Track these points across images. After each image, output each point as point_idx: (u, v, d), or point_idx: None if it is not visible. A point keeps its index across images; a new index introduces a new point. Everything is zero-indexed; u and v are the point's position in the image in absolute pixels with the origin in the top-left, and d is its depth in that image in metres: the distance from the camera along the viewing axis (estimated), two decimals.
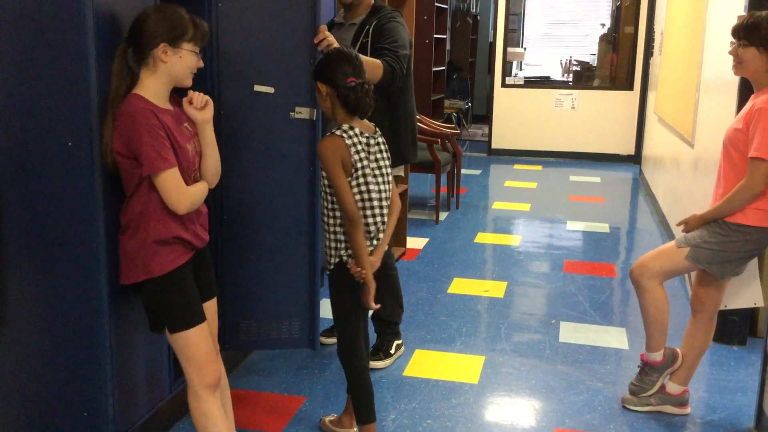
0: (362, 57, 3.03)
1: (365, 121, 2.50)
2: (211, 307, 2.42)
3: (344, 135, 2.40)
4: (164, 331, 2.26)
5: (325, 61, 2.46)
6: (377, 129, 2.54)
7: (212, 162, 2.32)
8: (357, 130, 2.43)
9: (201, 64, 2.24)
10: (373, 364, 3.34)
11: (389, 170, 2.54)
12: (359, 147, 2.42)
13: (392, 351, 3.44)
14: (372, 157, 2.47)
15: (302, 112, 2.89)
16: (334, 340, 3.40)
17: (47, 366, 2.33)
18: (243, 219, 2.92)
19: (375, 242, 2.50)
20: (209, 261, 2.45)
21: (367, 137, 2.45)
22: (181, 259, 2.23)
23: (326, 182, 2.44)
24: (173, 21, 2.14)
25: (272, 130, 2.89)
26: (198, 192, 2.24)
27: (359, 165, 2.41)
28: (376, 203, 2.46)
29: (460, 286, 4.55)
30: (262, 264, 2.98)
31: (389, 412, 3.00)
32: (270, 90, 2.86)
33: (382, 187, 2.49)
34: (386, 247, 2.56)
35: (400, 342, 3.52)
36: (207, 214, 2.37)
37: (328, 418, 2.83)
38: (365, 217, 2.45)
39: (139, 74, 2.17)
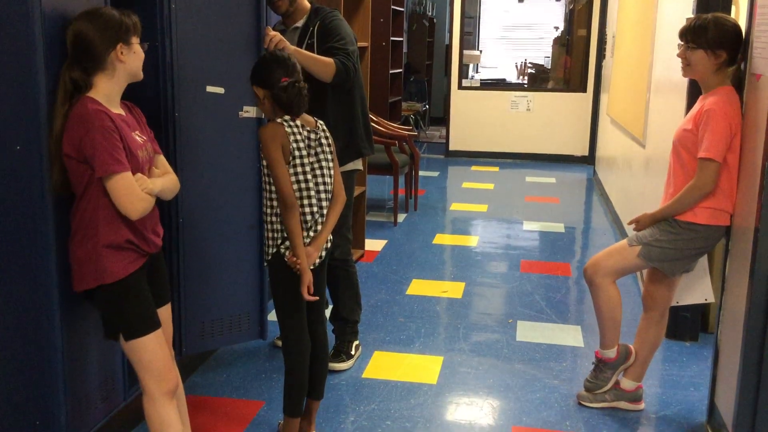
0: (313, 56, 3.07)
1: (305, 115, 2.55)
2: (165, 312, 2.39)
3: (285, 123, 2.45)
4: (119, 338, 2.23)
5: (259, 66, 2.52)
6: (320, 124, 2.58)
7: (170, 186, 2.32)
8: (298, 122, 2.48)
9: (143, 53, 2.24)
10: (337, 366, 3.34)
11: (331, 164, 2.58)
12: (299, 137, 2.46)
13: (352, 352, 3.44)
14: (312, 151, 2.51)
15: (249, 111, 2.95)
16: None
17: None
18: (198, 220, 2.91)
19: (312, 233, 2.52)
20: (163, 266, 2.42)
21: (308, 131, 2.50)
22: (134, 265, 2.20)
23: (265, 170, 2.47)
24: (115, 22, 2.13)
25: (223, 129, 2.93)
26: (152, 199, 2.20)
27: (297, 154, 2.45)
28: (313, 193, 2.50)
29: (418, 287, 4.57)
30: (215, 263, 2.99)
31: (348, 414, 3.00)
32: (220, 90, 2.87)
33: (320, 180, 2.53)
34: (326, 240, 2.57)
35: (358, 342, 3.53)
36: (159, 218, 2.34)
37: None
38: (302, 206, 2.48)
39: (89, 83, 2.13)
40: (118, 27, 2.12)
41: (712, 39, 2.68)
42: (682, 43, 2.78)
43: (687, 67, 2.79)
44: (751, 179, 2.57)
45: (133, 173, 2.14)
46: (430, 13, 12.62)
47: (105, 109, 2.10)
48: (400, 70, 9.06)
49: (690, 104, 3.53)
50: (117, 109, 2.18)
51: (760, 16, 2.56)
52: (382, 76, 7.89)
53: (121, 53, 2.13)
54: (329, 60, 3.10)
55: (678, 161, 2.85)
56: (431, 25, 12.30)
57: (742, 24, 2.76)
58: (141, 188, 2.14)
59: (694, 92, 3.47)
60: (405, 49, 10.83)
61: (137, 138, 2.21)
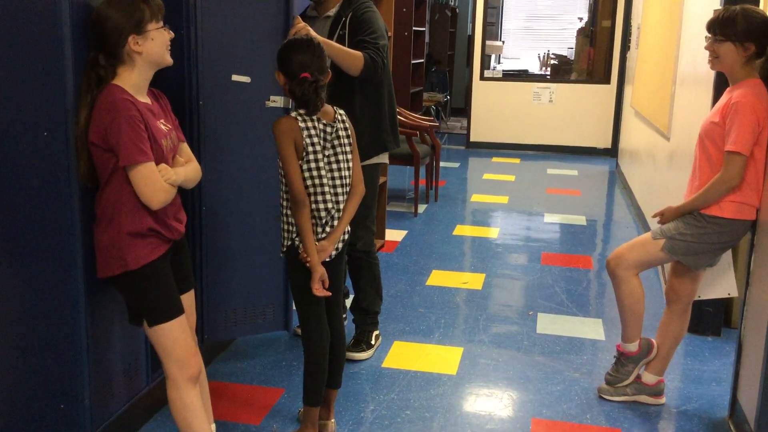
0: (343, 48, 3.05)
1: (326, 106, 2.49)
2: (188, 299, 2.40)
3: (299, 118, 2.42)
4: (142, 324, 2.25)
5: (282, 49, 2.45)
6: (338, 115, 2.54)
7: (193, 176, 2.33)
8: (314, 116, 2.44)
9: (171, 34, 2.21)
10: (357, 355, 3.35)
11: (350, 157, 2.55)
12: (313, 132, 2.43)
13: (372, 342, 3.45)
14: (328, 144, 2.47)
15: (276, 101, 2.93)
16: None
17: (23, 359, 2.30)
18: (220, 208, 2.93)
19: (328, 229, 2.51)
20: (187, 253, 2.44)
21: (325, 124, 2.46)
22: (157, 252, 2.21)
23: (280, 163, 2.45)
24: (129, 9, 2.10)
25: (248, 119, 2.92)
26: (173, 189, 2.21)
27: (310, 149, 2.42)
28: (328, 189, 2.47)
29: (438, 278, 4.56)
30: (239, 252, 3.00)
31: (368, 403, 3.01)
32: (247, 79, 2.87)
33: (337, 174, 2.50)
34: (341, 234, 2.56)
35: (378, 332, 3.54)
36: (181, 205, 2.35)
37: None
38: (316, 202, 2.46)
39: (113, 72, 2.14)
40: (131, 16, 2.09)
41: (740, 31, 2.64)
42: (710, 35, 2.74)
43: (715, 59, 2.75)
44: None
45: (157, 162, 2.15)
46: (452, 3, 12.56)
47: (131, 97, 2.11)
48: (422, 61, 9.04)
49: (716, 97, 3.49)
50: (143, 98, 2.18)
51: None
52: (404, 66, 7.88)
53: (136, 44, 2.10)
54: (358, 53, 3.07)
55: (704, 154, 2.82)
56: (453, 16, 12.24)
57: None
58: (164, 179, 2.15)
59: (720, 85, 3.43)
60: (427, 39, 10.79)
61: (162, 127, 2.22)
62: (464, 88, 12.29)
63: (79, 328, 2.25)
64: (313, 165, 2.44)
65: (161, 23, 2.17)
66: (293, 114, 2.43)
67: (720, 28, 2.69)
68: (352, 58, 3.06)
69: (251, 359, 3.37)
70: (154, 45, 2.14)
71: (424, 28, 8.98)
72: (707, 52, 2.79)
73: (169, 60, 2.21)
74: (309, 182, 2.44)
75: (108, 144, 2.08)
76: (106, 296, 2.37)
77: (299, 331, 3.51)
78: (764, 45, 2.67)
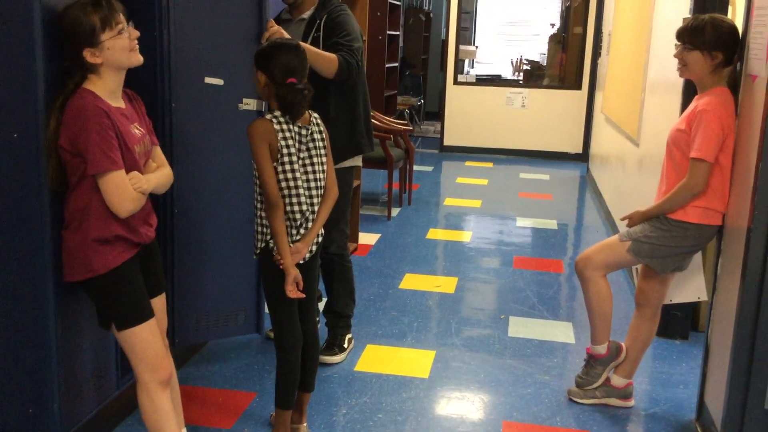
0: (317, 51, 3.05)
1: None
2: (159, 302, 2.39)
3: (274, 120, 2.42)
4: (111, 328, 2.23)
5: (269, 51, 2.45)
6: (314, 118, 2.56)
7: (164, 182, 2.31)
8: (288, 118, 2.45)
9: (134, 33, 2.14)
10: (329, 359, 3.35)
11: (324, 159, 2.56)
12: (287, 134, 2.43)
13: (345, 345, 3.46)
14: (303, 147, 2.48)
15: (249, 104, 2.93)
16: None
17: None
18: (193, 211, 2.91)
19: (302, 231, 2.52)
20: (158, 256, 2.42)
21: (300, 126, 2.47)
22: (124, 256, 2.19)
23: (254, 165, 2.45)
24: (77, 23, 2.05)
25: (221, 122, 2.92)
26: (143, 197, 2.20)
27: (285, 152, 2.43)
28: (303, 191, 2.48)
29: (411, 281, 4.58)
30: (211, 255, 2.99)
31: (340, 406, 3.01)
32: (219, 82, 2.86)
33: (312, 176, 2.51)
34: (315, 236, 2.57)
35: (350, 336, 3.54)
36: (152, 209, 2.33)
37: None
38: (291, 204, 2.47)
39: (86, 77, 2.12)
40: (80, 31, 2.05)
41: (708, 40, 2.69)
42: (679, 43, 2.79)
43: (683, 67, 2.80)
44: (745, 179, 2.59)
45: (130, 168, 2.13)
46: (426, 8, 12.61)
47: (102, 103, 2.08)
48: (396, 64, 9.05)
49: (685, 104, 3.54)
50: (117, 102, 2.16)
51: (757, 17, 2.58)
52: (378, 70, 7.87)
53: (93, 55, 2.07)
54: (332, 56, 3.08)
55: (671, 160, 2.87)
56: (428, 20, 12.29)
57: (739, 25, 2.77)
58: (135, 187, 2.12)
59: (689, 92, 3.49)
60: (401, 44, 10.82)
61: (135, 131, 2.20)
62: (438, 92, 12.33)
63: (48, 332, 2.23)
64: (288, 167, 2.44)
65: (118, 28, 2.09)
66: (268, 116, 2.44)
67: (689, 36, 2.74)
68: (327, 61, 3.06)
69: (222, 363, 3.36)
70: (113, 53, 2.09)
71: (398, 32, 9.00)
72: (677, 60, 2.84)
73: (135, 60, 2.15)
74: (284, 184, 2.44)
75: (77, 150, 2.05)
76: (76, 300, 2.34)
77: (271, 334, 3.51)
78: (732, 54, 2.72)
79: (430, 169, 8.54)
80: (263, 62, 2.44)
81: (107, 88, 2.12)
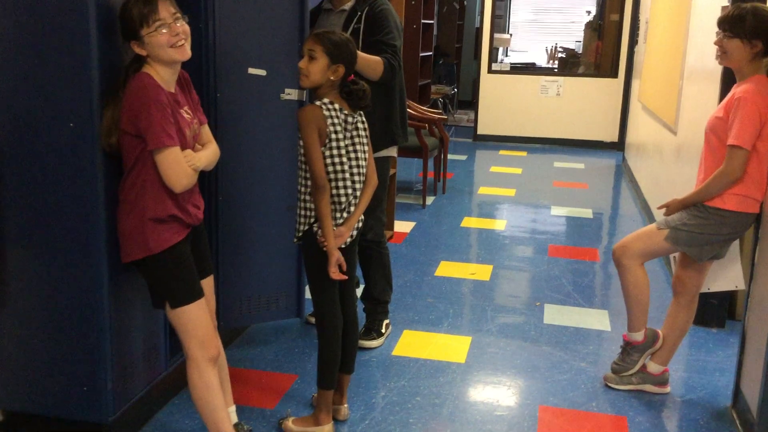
0: (364, 56, 3.08)
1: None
2: (208, 284, 2.48)
3: (323, 106, 2.50)
4: (165, 306, 2.33)
5: (348, 43, 2.54)
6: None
7: (213, 158, 2.41)
8: (337, 106, 2.53)
9: (178, 29, 2.18)
10: (367, 343, 3.42)
11: (366, 149, 2.64)
12: (336, 121, 2.51)
13: (383, 330, 3.52)
14: (348, 134, 2.56)
15: (291, 94, 2.99)
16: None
17: (48, 342, 2.38)
18: (236, 199, 2.99)
19: (345, 214, 2.59)
20: (206, 239, 2.51)
21: (346, 114, 2.55)
22: (178, 236, 2.28)
23: (301, 150, 2.53)
24: (123, 17, 2.17)
25: (264, 111, 2.98)
26: (195, 174, 2.29)
27: (333, 137, 2.50)
28: (348, 176, 2.55)
29: (446, 269, 4.63)
30: (254, 241, 3.07)
31: (379, 389, 3.08)
32: (262, 73, 2.93)
33: (354, 163, 2.58)
34: (357, 221, 2.64)
35: (388, 321, 3.61)
36: (199, 192, 2.42)
37: (290, 420, 2.76)
38: (336, 188, 2.54)
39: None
40: (124, 25, 2.17)
41: (749, 29, 2.69)
42: (720, 31, 2.79)
43: (723, 55, 2.81)
44: None
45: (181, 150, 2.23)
46: None
47: (159, 85, 2.18)
48: (430, 53, 9.08)
49: (724, 92, 3.53)
50: (170, 89, 2.25)
51: None
52: (413, 58, 7.91)
53: (138, 47, 2.17)
54: (378, 60, 3.12)
55: (709, 148, 2.88)
56: (461, 8, 12.27)
57: None
58: (189, 164, 2.22)
59: (727, 80, 3.48)
60: (435, 32, 10.83)
61: (185, 115, 2.29)
62: (471, 81, 12.32)
63: (102, 313, 2.33)
64: (335, 152, 2.52)
65: (156, 24, 2.14)
66: (318, 103, 2.51)
67: (730, 24, 2.74)
68: (374, 65, 3.11)
69: (264, 346, 3.45)
70: (153, 48, 2.17)
71: (432, 21, 9.02)
72: (714, 47, 2.84)
73: (179, 56, 2.20)
74: (330, 168, 2.52)
75: (137, 129, 2.14)
76: (128, 281, 2.44)
77: (311, 319, 3.60)
78: None
79: (464, 158, 8.56)
80: (341, 53, 2.49)
81: (161, 77, 2.21)
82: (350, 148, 2.57)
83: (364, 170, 2.64)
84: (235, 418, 2.61)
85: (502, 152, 8.92)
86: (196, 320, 2.31)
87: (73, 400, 2.41)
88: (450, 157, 8.11)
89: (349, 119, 2.56)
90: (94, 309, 2.33)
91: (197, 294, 2.32)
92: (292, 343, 3.49)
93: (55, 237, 2.30)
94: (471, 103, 11.52)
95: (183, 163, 2.21)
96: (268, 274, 3.13)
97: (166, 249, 2.25)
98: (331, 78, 2.50)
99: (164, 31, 2.16)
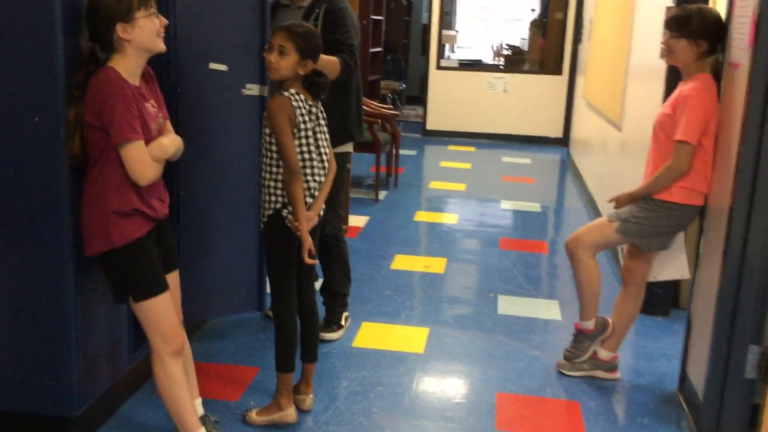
0: (322, 56, 3.11)
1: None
2: (173, 278, 2.49)
3: (291, 97, 2.57)
4: (128, 300, 2.33)
5: (318, 39, 2.62)
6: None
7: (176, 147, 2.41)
8: (302, 96, 2.61)
9: (164, 21, 2.26)
10: (328, 336, 3.47)
11: (327, 137, 2.73)
12: (303, 110, 2.59)
13: (342, 322, 3.58)
14: (312, 124, 2.64)
15: (252, 89, 3.02)
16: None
17: (13, 338, 2.37)
18: (198, 193, 3.01)
19: (311, 200, 2.66)
20: (170, 233, 2.52)
21: (309, 104, 2.63)
22: (142, 230, 2.29)
23: (268, 138, 2.59)
24: (112, 1, 2.16)
25: (225, 106, 3.01)
26: (160, 167, 2.30)
27: (302, 126, 2.59)
28: (316, 163, 2.64)
29: (402, 262, 4.71)
30: (215, 236, 3.09)
31: (341, 380, 3.14)
32: (224, 68, 2.95)
33: (321, 150, 2.67)
34: (321, 205, 2.72)
35: (347, 314, 3.66)
36: (164, 186, 2.43)
37: (254, 411, 2.80)
38: (305, 174, 2.61)
39: (110, 59, 2.21)
40: (118, 5, 2.15)
41: (695, 29, 2.83)
42: (667, 31, 2.92)
43: (669, 54, 2.94)
44: (727, 162, 2.73)
45: (145, 142, 2.23)
46: None
47: (124, 80, 2.18)
48: (380, 49, 9.13)
49: (668, 90, 3.68)
50: (136, 83, 2.26)
51: (740, 8, 2.71)
52: (363, 54, 7.92)
53: (124, 31, 2.17)
54: (335, 60, 3.16)
55: (657, 144, 3.01)
56: (409, 4, 12.35)
57: (723, 15, 2.91)
58: (153, 155, 2.23)
59: (671, 78, 3.62)
60: (384, 28, 10.88)
61: (151, 109, 2.30)
62: (419, 77, 12.43)
63: (68, 308, 2.33)
64: (303, 141, 2.59)
65: (151, 10, 2.21)
66: (286, 94, 2.57)
67: (676, 25, 2.87)
68: (332, 66, 3.14)
69: (225, 340, 3.46)
70: (143, 32, 2.20)
71: (382, 17, 9.07)
72: (659, 46, 2.97)
73: (161, 47, 2.26)
74: (299, 156, 2.59)
75: (102, 122, 2.15)
76: (93, 277, 2.44)
77: (270, 313, 3.62)
78: (716, 43, 2.86)
79: (413, 153, 8.66)
80: (311, 47, 2.57)
81: (129, 69, 2.21)
82: (317, 135, 2.66)
83: (327, 157, 2.72)
84: (201, 411, 2.63)
85: (451, 147, 9.05)
86: (160, 314, 2.32)
87: (39, 395, 2.40)
88: (401, 152, 8.18)
89: (313, 109, 2.64)
90: (60, 304, 2.33)
91: (161, 288, 2.33)
92: (253, 337, 3.51)
93: (20, 231, 2.28)
94: (419, 98, 11.62)
95: (148, 157, 2.22)
96: (230, 267, 3.15)
97: (129, 243, 2.26)
98: (300, 73, 2.56)
99: (155, 19, 2.21)
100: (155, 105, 2.34)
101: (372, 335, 3.60)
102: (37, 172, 2.24)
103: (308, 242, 2.59)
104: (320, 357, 3.16)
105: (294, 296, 2.75)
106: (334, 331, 3.52)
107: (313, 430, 2.76)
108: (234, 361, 3.26)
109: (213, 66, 2.93)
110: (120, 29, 2.16)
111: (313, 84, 2.62)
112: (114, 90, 2.14)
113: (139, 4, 2.19)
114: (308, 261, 2.61)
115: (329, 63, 3.14)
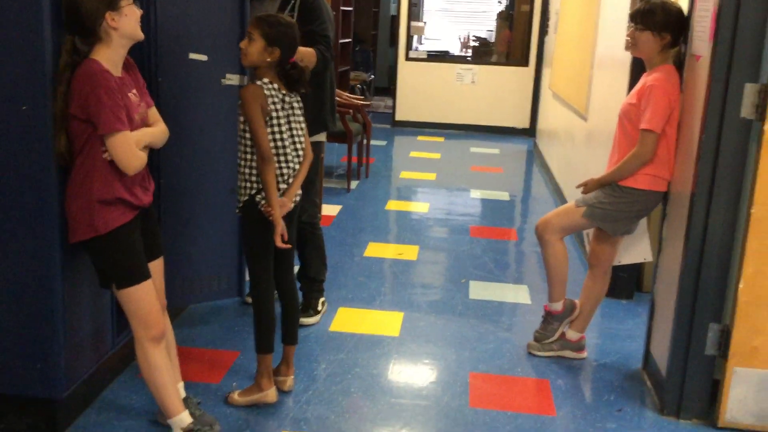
0: (301, 49, 3.18)
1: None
2: (157, 265, 2.55)
3: (263, 86, 2.65)
4: (112, 287, 2.39)
5: (285, 26, 2.65)
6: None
7: (161, 136, 2.48)
8: (276, 86, 2.68)
9: (141, 10, 2.33)
10: (305, 320, 3.55)
11: (303, 126, 2.80)
12: (275, 99, 2.67)
13: (319, 308, 3.66)
14: (286, 113, 2.71)
15: (232, 79, 3.08)
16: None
17: (1, 319, 2.41)
18: (178, 182, 3.06)
19: (285, 186, 2.73)
20: (155, 221, 2.58)
21: (284, 94, 2.70)
22: (125, 217, 2.35)
23: (242, 126, 2.67)
24: None
25: (205, 96, 3.06)
26: (145, 155, 2.36)
27: (274, 115, 2.66)
28: (289, 150, 2.72)
29: (375, 249, 4.80)
30: (194, 223, 3.15)
31: (319, 362, 3.23)
32: (204, 58, 3.00)
33: (295, 139, 2.75)
34: (296, 191, 2.79)
35: (324, 299, 3.74)
36: (149, 174, 2.49)
37: (236, 393, 2.88)
38: (278, 162, 2.69)
39: (89, 51, 2.25)
40: None
41: (658, 22, 2.96)
42: (632, 24, 3.05)
43: (634, 46, 3.06)
44: (689, 150, 2.87)
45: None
46: None
47: (108, 70, 2.23)
48: (349, 40, 9.19)
49: (633, 81, 3.81)
50: (118, 73, 2.31)
51: (701, 2, 2.85)
52: (333, 45, 8.00)
53: (112, 20, 2.22)
54: (311, 51, 3.23)
55: (622, 132, 3.14)
56: None
57: (684, 9, 3.04)
58: (135, 140, 2.28)
59: (636, 69, 3.75)
60: (352, 19, 10.92)
61: (133, 99, 2.35)
62: (387, 68, 12.51)
63: (56, 291, 2.38)
64: (276, 129, 2.67)
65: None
66: (258, 82, 2.64)
67: (641, 18, 2.99)
68: (308, 57, 3.21)
69: (204, 325, 3.53)
70: (129, 20, 2.26)
71: (351, 8, 9.12)
72: (624, 38, 3.09)
73: (140, 35, 2.32)
74: (272, 144, 2.66)
75: (87, 114, 2.19)
76: (79, 262, 2.49)
77: (248, 299, 3.70)
78: (678, 35, 3.00)
79: (383, 143, 8.74)
80: (279, 35, 2.62)
81: (112, 59, 2.26)
82: (292, 125, 2.73)
83: (302, 146, 2.79)
84: (183, 393, 2.70)
85: (420, 138, 9.15)
86: (141, 301, 2.38)
87: (26, 377, 2.44)
88: (371, 143, 8.26)
89: (287, 99, 2.70)
90: (47, 287, 2.37)
91: (143, 276, 2.39)
92: (232, 322, 3.58)
93: (8, 217, 2.32)
94: (387, 89, 11.70)
95: (134, 147, 2.28)
96: (210, 254, 3.22)
97: (112, 230, 2.31)
98: (268, 59, 2.63)
99: (136, 8, 2.27)
100: (137, 94, 2.39)
101: (348, 320, 3.69)
102: (25, 159, 2.28)
103: (280, 227, 2.67)
104: (299, 340, 3.24)
105: (271, 280, 2.83)
106: (311, 316, 3.60)
107: (294, 410, 2.84)
108: (215, 345, 3.33)
109: (193, 56, 2.98)
110: (109, 18, 2.21)
111: (286, 74, 2.68)
112: (98, 81, 2.18)
113: None
114: (280, 245, 2.69)
115: (306, 54, 3.21)
